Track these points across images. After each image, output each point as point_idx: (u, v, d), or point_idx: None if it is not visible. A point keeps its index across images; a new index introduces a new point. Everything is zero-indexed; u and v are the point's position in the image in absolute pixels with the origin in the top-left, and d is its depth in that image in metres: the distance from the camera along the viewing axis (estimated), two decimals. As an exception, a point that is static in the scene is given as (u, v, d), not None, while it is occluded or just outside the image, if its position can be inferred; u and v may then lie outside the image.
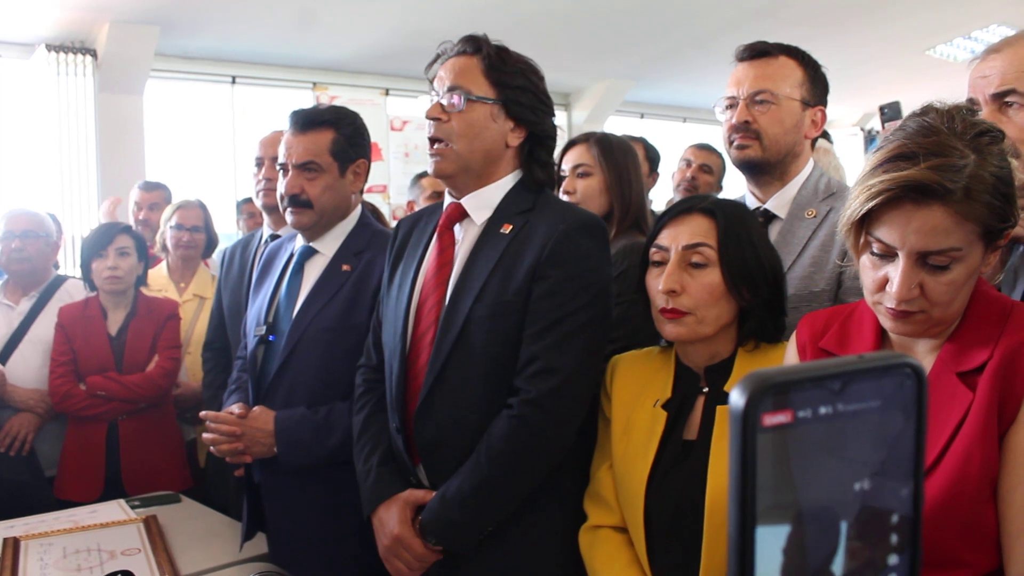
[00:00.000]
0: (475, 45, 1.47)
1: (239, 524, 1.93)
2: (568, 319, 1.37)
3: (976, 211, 0.94)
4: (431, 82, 1.52)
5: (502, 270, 1.40)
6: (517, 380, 1.38)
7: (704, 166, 3.38)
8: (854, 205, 0.99)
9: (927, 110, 1.01)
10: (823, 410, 0.36)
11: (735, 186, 3.57)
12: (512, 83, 1.46)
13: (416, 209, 2.37)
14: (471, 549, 1.41)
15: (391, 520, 1.44)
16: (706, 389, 1.32)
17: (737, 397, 0.35)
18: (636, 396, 1.38)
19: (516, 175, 1.51)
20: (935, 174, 0.93)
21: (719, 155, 3.41)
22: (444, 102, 1.45)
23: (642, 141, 2.99)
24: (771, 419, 0.35)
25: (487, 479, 1.37)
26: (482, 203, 1.49)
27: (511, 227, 1.44)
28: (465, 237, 1.49)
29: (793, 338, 1.23)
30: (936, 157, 0.94)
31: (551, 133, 1.52)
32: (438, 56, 1.52)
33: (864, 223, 1.00)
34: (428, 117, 1.46)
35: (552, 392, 1.35)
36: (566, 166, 2.01)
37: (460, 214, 1.50)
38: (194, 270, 3.01)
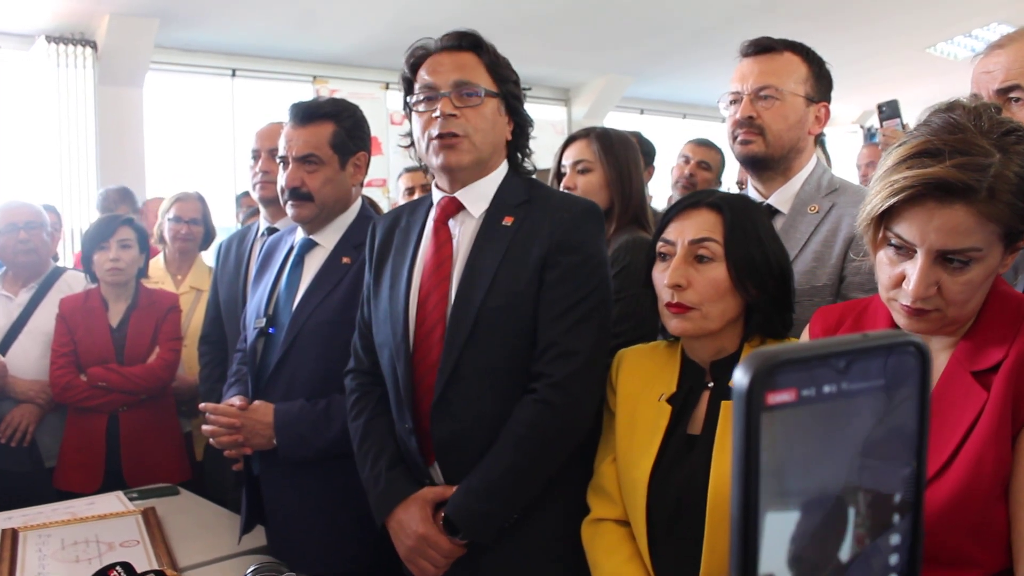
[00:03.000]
0: (471, 41, 1.51)
1: (237, 517, 1.93)
2: (582, 303, 1.41)
3: (999, 211, 0.92)
4: (411, 75, 1.51)
5: (511, 262, 1.42)
6: (537, 365, 1.40)
7: (702, 163, 3.36)
8: (875, 200, 0.97)
9: (954, 106, 0.98)
10: (827, 389, 0.36)
11: (728, 179, 3.56)
12: (509, 78, 1.53)
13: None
14: (493, 539, 1.41)
15: (412, 520, 1.43)
16: (711, 384, 1.32)
17: (741, 376, 0.34)
18: (641, 390, 1.37)
19: (504, 166, 1.55)
20: (960, 172, 0.90)
21: (718, 151, 3.39)
22: (454, 97, 1.45)
23: (636, 135, 2.98)
24: (775, 398, 0.34)
25: (514, 465, 1.38)
26: (478, 196, 1.50)
27: (513, 219, 1.46)
28: (463, 231, 1.50)
29: (806, 332, 1.23)
30: (961, 155, 0.91)
31: (531, 123, 1.60)
32: (416, 51, 1.51)
33: (884, 218, 0.98)
34: (444, 114, 1.43)
35: (574, 374, 1.39)
36: (566, 162, 1.99)
37: (455, 208, 1.51)
38: (191, 263, 3.00)
